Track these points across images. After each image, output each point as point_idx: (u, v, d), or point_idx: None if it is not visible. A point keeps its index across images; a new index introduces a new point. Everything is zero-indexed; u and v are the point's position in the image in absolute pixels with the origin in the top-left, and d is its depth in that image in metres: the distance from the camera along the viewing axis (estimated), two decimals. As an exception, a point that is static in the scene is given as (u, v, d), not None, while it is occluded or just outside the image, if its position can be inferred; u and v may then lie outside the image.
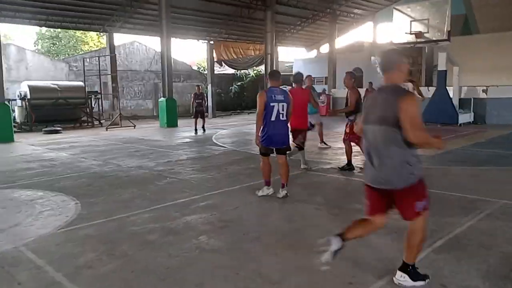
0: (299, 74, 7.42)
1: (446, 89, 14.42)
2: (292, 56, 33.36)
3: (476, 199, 5.30)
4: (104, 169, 7.98)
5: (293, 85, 7.29)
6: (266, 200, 5.54)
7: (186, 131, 15.11)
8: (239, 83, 28.56)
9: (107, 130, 16.24)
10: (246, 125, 17.54)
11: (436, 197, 5.41)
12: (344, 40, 30.88)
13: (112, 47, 20.76)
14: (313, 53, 31.52)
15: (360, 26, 29.42)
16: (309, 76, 9.54)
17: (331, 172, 7.25)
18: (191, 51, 78.73)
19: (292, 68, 30.17)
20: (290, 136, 5.96)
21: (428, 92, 15.30)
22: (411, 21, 13.44)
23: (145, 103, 24.29)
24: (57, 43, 34.54)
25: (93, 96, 19.16)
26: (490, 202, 5.15)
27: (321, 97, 22.75)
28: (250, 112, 25.59)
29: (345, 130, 7.30)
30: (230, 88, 28.29)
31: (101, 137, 13.82)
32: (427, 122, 14.84)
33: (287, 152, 5.88)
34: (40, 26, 20.31)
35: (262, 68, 25.29)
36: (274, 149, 5.59)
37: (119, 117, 17.18)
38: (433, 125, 13.98)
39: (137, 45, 24.01)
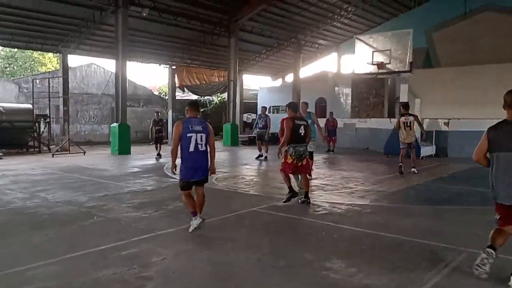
0: (294, 103, 7.51)
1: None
2: (258, 84, 33.16)
3: (440, 247, 4.67)
4: (27, 203, 6.94)
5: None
6: (201, 247, 4.72)
7: (138, 159, 14.13)
8: (202, 110, 27.81)
9: (53, 156, 15.02)
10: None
11: (397, 244, 4.77)
12: (309, 69, 30.98)
13: (65, 69, 19.68)
14: (278, 82, 31.37)
15: (325, 57, 29.60)
16: (303, 103, 9.25)
17: (285, 209, 6.51)
18: (153, 76, 77.91)
19: (257, 96, 29.85)
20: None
21: (390, 123, 15.03)
22: (373, 52, 13.23)
23: (100, 128, 23.07)
24: (13, 63, 32.91)
25: (42, 119, 17.93)
26: (456, 251, 4.52)
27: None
28: (214, 139, 24.78)
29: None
30: (193, 114, 27.48)
31: (43, 164, 12.63)
32: (388, 154, 14.55)
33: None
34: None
35: (226, 95, 24.75)
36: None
37: (68, 143, 16.02)
38: (395, 156, 13.62)
39: (95, 67, 22.98)
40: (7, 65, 32.78)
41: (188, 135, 5.06)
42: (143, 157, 14.84)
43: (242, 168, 12.38)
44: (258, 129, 13.95)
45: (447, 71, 20.71)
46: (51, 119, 18.64)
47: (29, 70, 32.17)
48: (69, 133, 16.58)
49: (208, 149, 5.31)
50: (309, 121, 8.71)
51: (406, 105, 10.73)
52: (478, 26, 20.53)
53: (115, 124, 16.08)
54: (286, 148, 6.84)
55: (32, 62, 33.32)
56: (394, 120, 15.35)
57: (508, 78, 18.76)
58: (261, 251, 4.56)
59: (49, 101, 17.55)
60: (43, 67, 33.28)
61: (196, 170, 5.21)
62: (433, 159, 14.37)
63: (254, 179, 9.90)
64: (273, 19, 21.23)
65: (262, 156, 13.66)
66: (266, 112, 14.55)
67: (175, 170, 5.43)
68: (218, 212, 6.26)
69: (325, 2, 20.75)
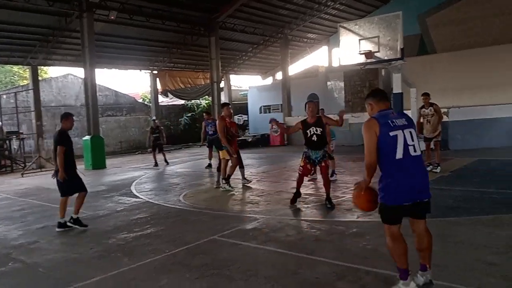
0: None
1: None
2: (248, 84, 31.95)
3: (446, 287, 3.41)
4: None
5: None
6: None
7: (111, 174, 12.92)
8: (189, 114, 26.63)
9: (22, 176, 13.90)
10: (192, 161, 15.52)
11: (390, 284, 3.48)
12: (300, 65, 29.77)
13: (35, 81, 18.44)
14: (268, 80, 30.15)
15: (315, 51, 28.38)
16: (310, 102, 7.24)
17: (252, 235, 5.26)
18: (135, 83, 76.97)
19: (246, 96, 28.62)
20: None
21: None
22: (359, 40, 11.94)
23: (81, 141, 21.75)
24: (-7, 79, 31.79)
25: (14, 136, 16.78)
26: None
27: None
28: (202, 145, 23.57)
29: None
30: (180, 120, 26.28)
31: (3, 187, 11.45)
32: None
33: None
34: None
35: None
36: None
37: (39, 160, 14.86)
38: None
39: (72, 78, 21.72)
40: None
41: (392, 133, 3.23)
42: (118, 171, 13.62)
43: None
44: (209, 136, 12.56)
45: (443, 57, 19.47)
46: (26, 135, 17.51)
47: (10, 85, 30.99)
48: (43, 149, 15.41)
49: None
50: None
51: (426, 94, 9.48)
52: (473, 7, 19.31)
53: (87, 137, 14.90)
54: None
55: (13, 77, 32.15)
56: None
57: (506, 59, 17.59)
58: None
59: (17, 117, 16.38)
60: (24, 80, 32.10)
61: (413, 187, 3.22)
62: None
63: (230, 192, 8.65)
64: (255, 14, 19.99)
65: (211, 165, 12.56)
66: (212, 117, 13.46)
67: None
68: (169, 245, 5.04)
69: (309, -7, 19.55)
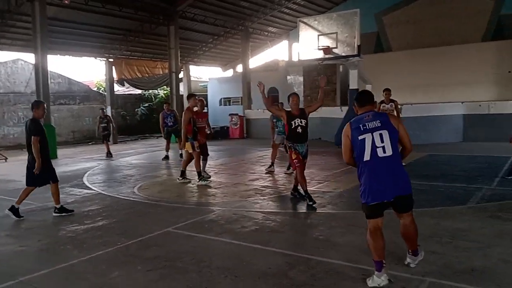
0: None
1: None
2: (208, 75, 31.67)
3: (401, 278, 3.55)
4: None
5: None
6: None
7: (62, 164, 12.40)
8: (147, 105, 26.08)
9: (-36, 165, 13.11)
10: (148, 152, 15.21)
11: (337, 274, 3.53)
12: (261, 58, 29.84)
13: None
14: (229, 72, 30.01)
15: (276, 45, 28.50)
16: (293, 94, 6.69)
17: (207, 227, 5.25)
18: (90, 70, 74.46)
19: (206, 87, 28.37)
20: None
21: (342, 111, 14.12)
22: (318, 35, 12.14)
23: (31, 130, 20.85)
24: None
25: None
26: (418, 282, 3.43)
27: (233, 119, 21.10)
28: (160, 136, 23.17)
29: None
30: (137, 110, 25.68)
31: None
32: (339, 145, 13.62)
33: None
34: None
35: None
36: None
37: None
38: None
39: (22, 63, 20.65)
40: None
41: (360, 137, 3.47)
42: (69, 162, 13.15)
43: (178, 169, 10.94)
44: (168, 128, 12.47)
45: (397, 55, 20.18)
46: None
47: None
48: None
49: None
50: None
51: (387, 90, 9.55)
52: (427, 8, 20.09)
53: (37, 126, 14.21)
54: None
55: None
56: (345, 108, 14.46)
57: (457, 60, 18.48)
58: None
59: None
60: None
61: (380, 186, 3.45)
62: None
63: (188, 185, 8.57)
64: (216, 5, 19.76)
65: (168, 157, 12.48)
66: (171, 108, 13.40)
67: None
68: (121, 238, 4.94)
69: (270, -14, 19.57)
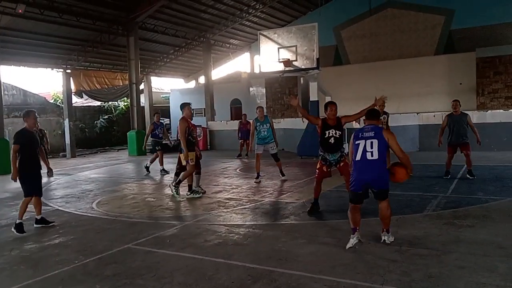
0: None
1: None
2: (170, 86, 31.37)
3: (352, 285, 3.63)
4: None
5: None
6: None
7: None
8: (106, 117, 25.48)
9: None
10: (107, 166, 14.81)
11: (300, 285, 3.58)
12: (223, 70, 29.95)
13: None
14: (192, 84, 29.90)
15: (238, 57, 28.71)
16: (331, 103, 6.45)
17: (169, 242, 5.17)
18: (47, 82, 72.10)
19: (168, 99, 28.12)
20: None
21: (303, 123, 14.34)
22: (278, 48, 12.34)
23: (-18, 144, 19.85)
24: None
25: None
26: (371, 290, 3.52)
27: (198, 130, 20.93)
28: (121, 149, 22.67)
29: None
30: (96, 122, 25.03)
31: None
32: (302, 156, 13.83)
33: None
34: None
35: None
36: None
37: None
38: (309, 158, 12.96)
39: (-28, 74, 19.70)
40: None
41: (357, 142, 4.75)
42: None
43: (139, 183, 10.76)
44: (157, 139, 12.08)
45: (356, 68, 20.82)
46: None
47: None
48: None
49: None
50: (268, 125, 9.56)
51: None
52: (382, 23, 20.93)
53: (-12, 140, 13.60)
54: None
55: None
56: (306, 120, 14.70)
57: (412, 72, 19.29)
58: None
59: None
60: None
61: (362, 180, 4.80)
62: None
63: (147, 198, 8.41)
64: (177, 16, 19.71)
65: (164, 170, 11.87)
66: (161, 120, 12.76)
67: None
68: (79, 256, 4.77)
69: (231, -1, 19.74)
